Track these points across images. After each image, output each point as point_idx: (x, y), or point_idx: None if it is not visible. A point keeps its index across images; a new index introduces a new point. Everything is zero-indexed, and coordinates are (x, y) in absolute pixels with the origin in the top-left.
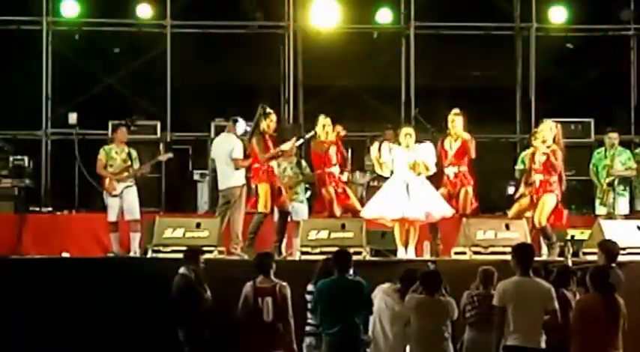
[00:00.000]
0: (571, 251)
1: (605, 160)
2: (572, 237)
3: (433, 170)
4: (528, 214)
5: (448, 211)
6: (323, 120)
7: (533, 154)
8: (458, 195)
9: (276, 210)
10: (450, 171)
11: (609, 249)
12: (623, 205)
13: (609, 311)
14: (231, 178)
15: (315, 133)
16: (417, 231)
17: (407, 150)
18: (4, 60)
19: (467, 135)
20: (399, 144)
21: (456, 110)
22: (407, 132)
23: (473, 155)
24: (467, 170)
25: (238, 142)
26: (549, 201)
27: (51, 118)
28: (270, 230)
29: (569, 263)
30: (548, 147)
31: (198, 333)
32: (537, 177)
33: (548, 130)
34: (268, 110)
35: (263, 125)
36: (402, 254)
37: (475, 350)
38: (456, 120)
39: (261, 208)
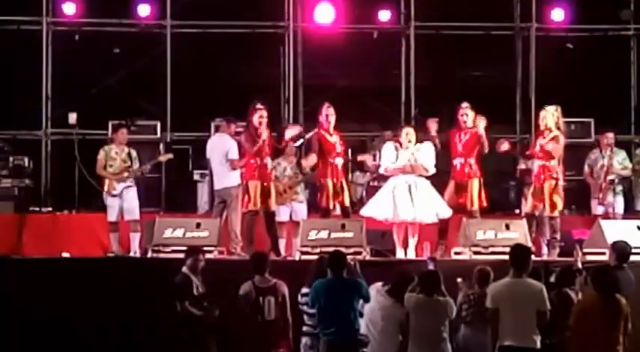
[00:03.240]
0: (580, 253)
1: (601, 160)
2: (581, 238)
3: (432, 171)
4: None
5: (447, 213)
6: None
7: (535, 139)
8: (466, 187)
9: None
10: (456, 162)
11: (621, 249)
12: (620, 204)
13: (609, 311)
14: (226, 178)
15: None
16: (416, 231)
17: (408, 151)
18: (4, 60)
19: (474, 129)
20: (400, 144)
21: (467, 104)
22: (407, 132)
23: (485, 146)
24: (474, 162)
25: (233, 143)
26: (555, 189)
27: (51, 118)
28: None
29: (579, 264)
30: (549, 130)
31: (196, 332)
32: (536, 163)
33: (551, 116)
34: (258, 106)
35: (254, 120)
36: (400, 255)
37: (470, 348)
38: (469, 114)
39: (250, 206)
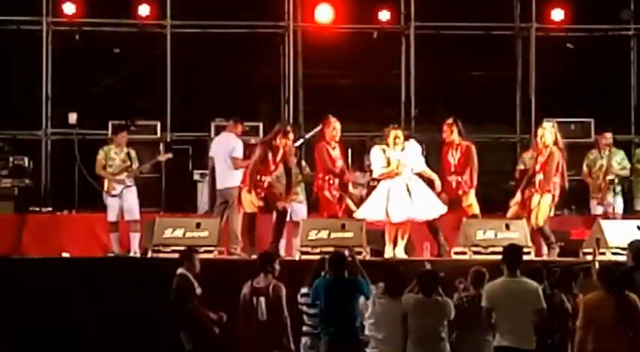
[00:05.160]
0: (597, 253)
1: (600, 161)
2: (598, 239)
3: (423, 167)
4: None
5: (442, 209)
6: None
7: (536, 157)
8: (460, 201)
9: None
10: (452, 179)
11: (638, 248)
12: (619, 204)
13: (620, 310)
14: (229, 178)
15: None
16: (406, 232)
17: (396, 152)
18: (4, 60)
19: (466, 142)
20: (387, 144)
21: (449, 120)
22: (396, 136)
23: (475, 162)
24: (469, 178)
25: (239, 142)
26: (545, 202)
27: (51, 118)
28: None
29: (597, 264)
30: (546, 147)
31: (197, 333)
32: (537, 178)
33: (549, 134)
34: (288, 128)
35: (277, 143)
36: (389, 252)
37: (464, 350)
38: (453, 131)
39: (247, 208)
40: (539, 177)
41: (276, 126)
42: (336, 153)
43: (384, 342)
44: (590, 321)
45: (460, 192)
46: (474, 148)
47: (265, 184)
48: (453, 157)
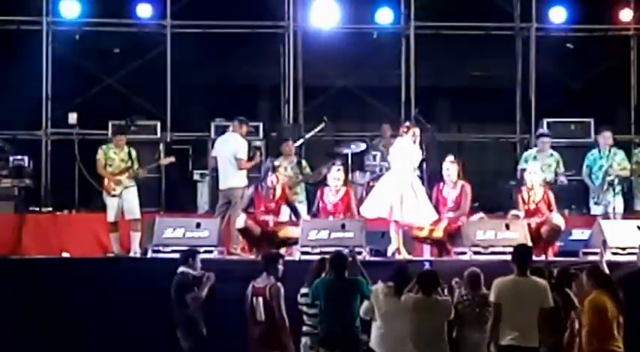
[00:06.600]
0: (604, 255)
1: (600, 161)
2: (604, 240)
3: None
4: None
5: (432, 217)
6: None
7: (527, 193)
8: (457, 233)
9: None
10: (446, 216)
11: None
12: (619, 204)
13: (616, 306)
14: (233, 178)
15: (325, 125)
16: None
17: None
18: (4, 60)
19: (462, 182)
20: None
21: (451, 158)
22: (414, 132)
23: (467, 206)
24: (460, 214)
25: (243, 143)
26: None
27: (51, 118)
28: None
29: (604, 264)
30: (533, 190)
31: (196, 332)
32: (533, 220)
33: (538, 178)
34: (276, 163)
35: (269, 181)
36: (402, 251)
37: (463, 349)
38: (450, 169)
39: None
40: (535, 219)
41: (265, 163)
42: (330, 198)
43: (395, 341)
44: (596, 320)
45: (458, 222)
46: (469, 189)
47: (271, 223)
48: (449, 194)
